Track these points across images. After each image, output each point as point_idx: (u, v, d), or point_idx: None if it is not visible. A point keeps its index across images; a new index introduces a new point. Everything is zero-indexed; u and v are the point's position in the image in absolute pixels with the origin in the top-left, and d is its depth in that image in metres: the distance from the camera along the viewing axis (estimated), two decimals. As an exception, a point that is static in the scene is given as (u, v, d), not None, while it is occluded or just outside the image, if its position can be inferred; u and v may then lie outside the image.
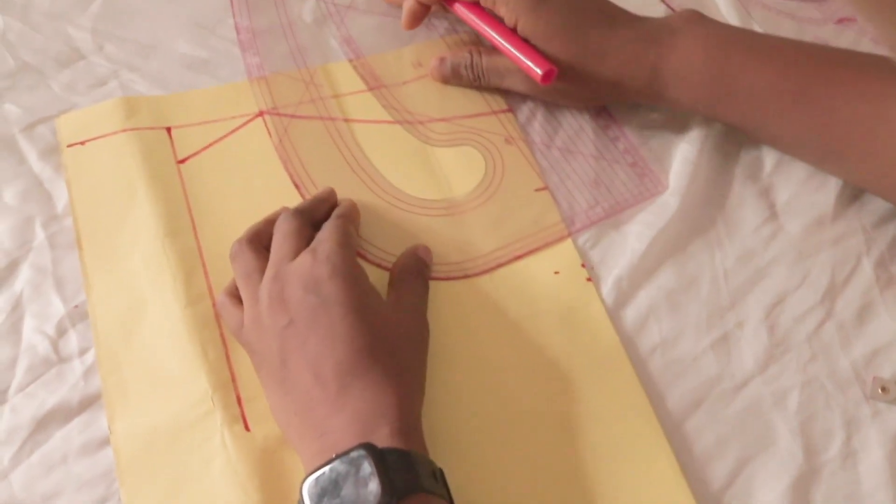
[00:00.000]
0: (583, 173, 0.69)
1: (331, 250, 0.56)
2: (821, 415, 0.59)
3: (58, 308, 0.62)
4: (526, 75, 0.67)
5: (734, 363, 0.61)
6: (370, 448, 0.48)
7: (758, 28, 0.77)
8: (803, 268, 0.65)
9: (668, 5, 0.78)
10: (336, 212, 0.62)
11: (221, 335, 0.60)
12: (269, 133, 0.70)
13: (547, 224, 0.66)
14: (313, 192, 0.66)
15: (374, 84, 0.73)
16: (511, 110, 0.72)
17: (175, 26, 0.76)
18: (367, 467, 0.47)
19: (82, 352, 0.60)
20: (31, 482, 0.55)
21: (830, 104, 0.63)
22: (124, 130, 0.68)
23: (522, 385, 0.60)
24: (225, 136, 0.69)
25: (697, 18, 0.68)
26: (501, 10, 0.67)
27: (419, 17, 0.73)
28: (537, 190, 0.68)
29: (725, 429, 0.59)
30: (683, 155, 0.69)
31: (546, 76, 0.66)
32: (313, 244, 0.58)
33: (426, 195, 0.68)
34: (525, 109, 0.72)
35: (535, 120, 0.72)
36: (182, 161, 0.67)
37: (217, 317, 0.61)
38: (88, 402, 0.58)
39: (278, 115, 0.70)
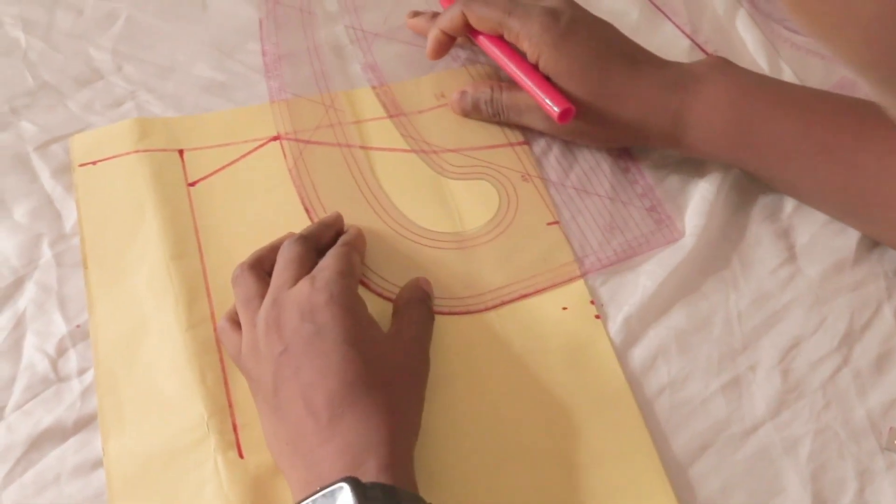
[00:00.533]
0: (597, 214, 0.67)
1: (330, 278, 0.56)
2: (833, 464, 0.57)
3: (60, 327, 0.61)
4: (544, 113, 0.66)
5: (745, 407, 0.59)
6: (353, 482, 0.46)
7: (786, 67, 0.75)
8: (821, 312, 0.63)
9: (695, 43, 0.77)
10: (341, 239, 0.61)
11: (221, 360, 0.59)
12: (285, 156, 0.69)
13: (558, 263, 0.65)
14: (322, 213, 0.66)
15: (394, 112, 0.73)
16: (527, 143, 0.71)
17: (194, 49, 0.76)
18: (349, 502, 0.46)
19: (81, 371, 0.60)
20: (22, 501, 0.55)
21: (856, 158, 0.62)
22: (136, 151, 0.68)
23: (524, 422, 0.58)
24: (237, 159, 0.69)
25: (723, 65, 0.66)
26: (525, 45, 0.67)
27: (444, 47, 0.73)
28: (549, 224, 0.67)
29: (732, 475, 0.57)
30: (701, 194, 0.67)
31: (563, 115, 0.65)
32: (314, 271, 0.57)
33: (437, 227, 0.67)
34: (541, 142, 0.71)
35: (551, 153, 0.71)
36: (192, 184, 0.67)
37: (218, 341, 0.60)
38: (84, 423, 0.58)
39: (295, 140, 0.70)
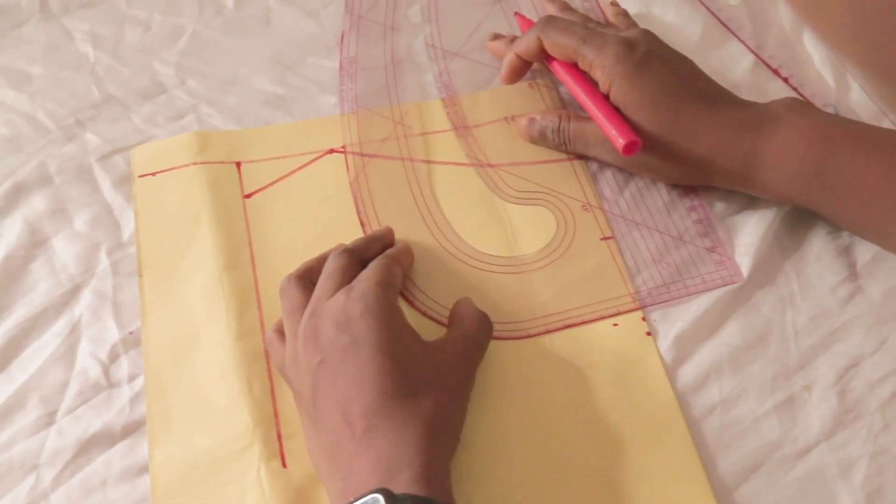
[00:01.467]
0: (655, 249, 0.66)
1: (366, 288, 0.55)
2: (891, 488, 0.55)
3: (113, 333, 0.62)
4: (611, 146, 0.65)
5: (798, 428, 0.57)
6: (385, 493, 0.46)
7: (853, 84, 0.73)
8: (881, 332, 0.61)
9: (760, 58, 0.75)
10: (386, 252, 0.61)
11: (269, 370, 0.60)
12: (347, 168, 0.69)
13: (614, 295, 0.64)
14: (377, 227, 0.66)
15: (460, 124, 0.73)
16: (585, 159, 0.70)
17: (256, 63, 0.77)
18: None
19: (132, 378, 0.60)
20: (69, 504, 0.56)
21: None
22: (195, 164, 0.69)
23: (570, 438, 0.57)
24: (293, 171, 0.69)
25: (799, 106, 0.64)
26: (597, 74, 0.66)
27: (519, 72, 0.73)
28: (603, 238, 0.66)
29: (784, 497, 0.55)
30: (760, 214, 0.66)
31: (628, 147, 0.63)
32: (353, 282, 0.57)
33: (491, 249, 0.66)
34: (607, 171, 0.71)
35: (608, 171, 0.70)
36: (248, 196, 0.68)
37: (266, 352, 0.60)
38: (133, 429, 0.58)
39: (360, 154, 0.70)
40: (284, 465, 0.56)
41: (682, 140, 0.64)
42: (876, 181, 0.60)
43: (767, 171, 0.63)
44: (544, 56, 0.70)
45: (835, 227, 0.65)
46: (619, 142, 0.63)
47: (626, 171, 0.69)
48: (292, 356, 0.56)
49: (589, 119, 0.67)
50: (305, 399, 0.54)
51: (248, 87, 0.75)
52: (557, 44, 0.68)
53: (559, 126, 0.69)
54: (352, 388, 0.52)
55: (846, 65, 0.73)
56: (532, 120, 0.70)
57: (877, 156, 0.61)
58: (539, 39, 0.69)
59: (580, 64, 0.67)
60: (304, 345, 0.55)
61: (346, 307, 0.54)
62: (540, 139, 0.71)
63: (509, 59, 0.72)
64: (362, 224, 0.67)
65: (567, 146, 0.70)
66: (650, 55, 0.65)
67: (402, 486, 0.48)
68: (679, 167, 0.65)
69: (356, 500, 0.47)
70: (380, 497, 0.46)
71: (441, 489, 0.50)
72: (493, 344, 0.61)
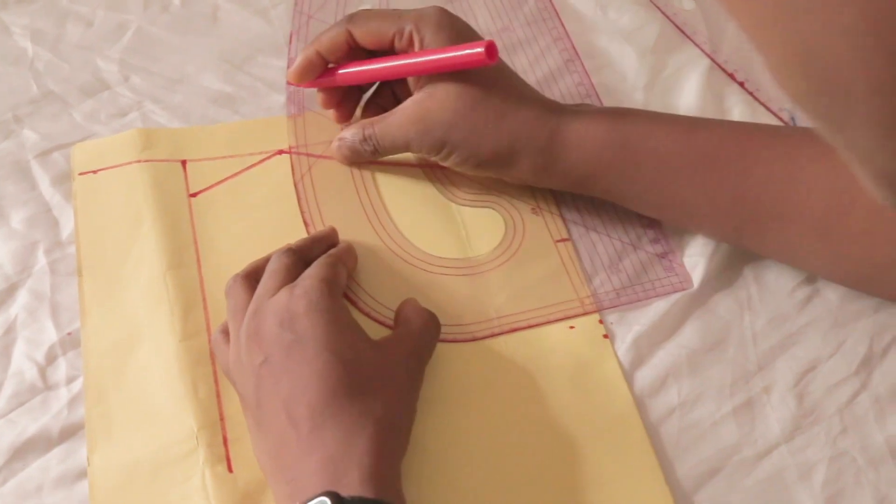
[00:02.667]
0: (612, 253, 0.65)
1: (310, 286, 0.54)
2: (850, 491, 0.54)
3: (50, 335, 0.60)
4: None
5: (758, 431, 0.57)
6: (333, 496, 0.44)
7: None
8: (838, 336, 0.61)
9: (715, 63, 0.75)
10: (329, 252, 0.59)
11: (214, 373, 0.58)
12: (293, 170, 0.67)
13: (570, 298, 0.62)
14: (321, 227, 0.64)
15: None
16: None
17: (204, 61, 0.75)
18: None
19: (70, 380, 0.58)
20: (1, 512, 0.53)
21: (742, 165, 0.59)
22: (138, 161, 0.66)
23: (526, 442, 0.56)
24: (241, 171, 0.67)
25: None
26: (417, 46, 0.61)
27: (314, 70, 0.65)
28: (558, 241, 0.65)
29: (744, 500, 0.54)
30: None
31: (490, 50, 0.58)
32: (296, 281, 0.55)
33: (444, 251, 0.64)
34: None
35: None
36: (194, 195, 0.66)
37: (212, 353, 0.58)
38: (70, 433, 0.56)
39: (306, 154, 0.68)
40: (231, 470, 0.54)
41: (489, 117, 0.60)
42: (680, 152, 0.60)
43: (573, 149, 0.60)
44: (342, 58, 0.65)
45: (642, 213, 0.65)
46: (478, 50, 0.58)
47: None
48: (236, 357, 0.54)
49: (391, 113, 0.64)
50: (250, 400, 0.52)
51: (195, 86, 0.73)
52: (371, 29, 0.63)
53: (363, 134, 0.65)
54: (296, 386, 0.50)
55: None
56: (340, 140, 0.67)
57: (675, 126, 0.61)
58: (347, 32, 0.63)
59: (398, 42, 0.62)
60: (247, 344, 0.53)
61: (289, 304, 0.53)
62: (354, 156, 0.67)
63: (307, 53, 0.65)
64: (306, 225, 0.65)
65: (380, 151, 0.66)
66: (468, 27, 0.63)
67: (350, 487, 0.46)
68: (484, 147, 0.61)
69: (303, 503, 0.45)
70: (327, 500, 0.44)
71: (391, 491, 0.48)
72: (445, 347, 0.59)
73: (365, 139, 0.65)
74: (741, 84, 0.73)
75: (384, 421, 0.50)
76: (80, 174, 0.66)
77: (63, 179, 0.67)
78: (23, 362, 0.58)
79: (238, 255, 0.62)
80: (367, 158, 0.67)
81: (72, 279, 0.62)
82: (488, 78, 0.61)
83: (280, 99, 0.72)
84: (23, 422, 0.56)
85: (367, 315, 0.61)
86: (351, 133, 0.66)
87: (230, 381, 0.56)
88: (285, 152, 0.69)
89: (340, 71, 0.65)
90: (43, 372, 0.58)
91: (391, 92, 0.67)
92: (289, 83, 0.70)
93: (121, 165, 0.67)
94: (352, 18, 0.63)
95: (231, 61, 0.75)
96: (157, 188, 0.65)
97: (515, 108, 0.61)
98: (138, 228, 0.64)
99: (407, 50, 0.62)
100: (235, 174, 0.67)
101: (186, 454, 0.54)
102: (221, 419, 0.56)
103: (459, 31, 0.61)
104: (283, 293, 0.54)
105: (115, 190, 0.66)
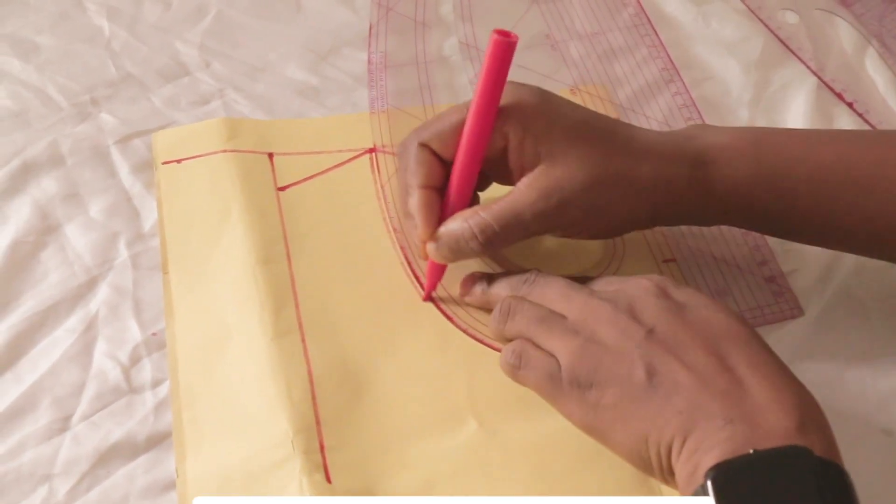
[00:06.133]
0: (711, 279, 0.62)
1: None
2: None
3: (134, 334, 0.56)
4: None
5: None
6: (807, 455, 0.39)
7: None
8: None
9: (822, 81, 0.72)
10: None
11: (309, 373, 0.54)
12: (378, 171, 0.64)
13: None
14: (412, 237, 0.57)
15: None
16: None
17: (287, 50, 0.72)
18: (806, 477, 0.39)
19: (155, 384, 0.55)
20: (86, 522, 0.50)
21: None
22: (224, 151, 0.63)
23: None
24: (330, 168, 0.64)
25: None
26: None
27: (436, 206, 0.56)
28: (665, 261, 0.62)
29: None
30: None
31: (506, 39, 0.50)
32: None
33: (551, 267, 0.60)
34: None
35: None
36: (282, 189, 0.62)
37: (306, 352, 0.55)
38: (157, 440, 0.53)
39: (393, 153, 0.65)
40: (329, 481, 0.51)
41: (618, 182, 0.54)
42: (829, 164, 0.55)
43: (718, 165, 0.55)
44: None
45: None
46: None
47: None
48: (587, 352, 0.48)
49: (501, 198, 0.54)
50: (628, 384, 0.46)
51: (278, 75, 0.70)
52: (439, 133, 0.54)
53: (472, 226, 0.54)
54: (717, 331, 0.46)
55: None
56: (438, 239, 0.55)
57: (829, 143, 0.56)
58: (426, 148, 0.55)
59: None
60: (615, 322, 0.47)
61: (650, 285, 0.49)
62: (454, 255, 0.55)
63: (424, 214, 0.55)
64: (394, 231, 0.61)
65: (492, 243, 0.54)
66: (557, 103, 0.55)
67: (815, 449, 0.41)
68: (622, 206, 0.55)
69: (762, 451, 0.40)
70: (801, 455, 0.40)
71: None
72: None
73: (476, 233, 0.54)
74: (850, 105, 0.70)
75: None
76: (164, 163, 0.63)
77: (143, 167, 0.64)
78: (105, 362, 0.55)
79: (328, 256, 0.59)
80: (468, 256, 0.56)
81: (155, 274, 0.59)
82: (605, 132, 0.55)
83: (367, 94, 0.69)
84: (107, 426, 0.53)
85: (464, 331, 0.57)
86: (457, 225, 0.55)
87: (547, 396, 0.50)
88: (375, 151, 0.66)
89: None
90: (127, 373, 0.55)
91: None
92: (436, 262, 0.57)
93: (206, 155, 0.64)
94: (420, 129, 0.55)
95: (316, 51, 0.72)
96: (245, 179, 0.62)
97: (648, 147, 0.55)
98: (226, 221, 0.61)
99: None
100: (325, 171, 0.64)
101: (282, 461, 0.51)
102: (317, 423, 0.52)
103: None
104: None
105: (201, 180, 0.63)
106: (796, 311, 0.60)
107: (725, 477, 0.40)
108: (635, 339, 0.46)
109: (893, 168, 0.54)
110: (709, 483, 0.40)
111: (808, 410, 0.42)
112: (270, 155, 0.64)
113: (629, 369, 0.45)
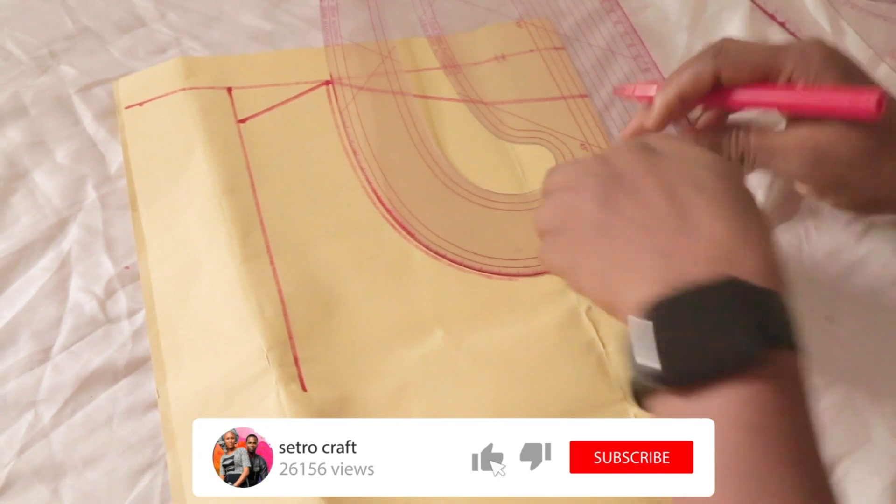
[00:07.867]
0: None
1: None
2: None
3: (107, 268, 0.58)
4: (798, 154, 0.54)
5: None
6: (736, 283, 0.41)
7: (847, 28, 0.73)
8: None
9: (755, 3, 0.75)
10: None
11: (279, 292, 0.56)
12: (336, 100, 0.66)
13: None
14: (370, 159, 0.63)
15: (450, 63, 0.70)
16: (587, 96, 0.69)
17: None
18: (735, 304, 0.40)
19: (131, 313, 0.56)
20: (72, 443, 0.51)
21: None
22: (183, 90, 0.65)
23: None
24: (288, 99, 0.66)
25: None
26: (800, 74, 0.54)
27: (673, 118, 0.58)
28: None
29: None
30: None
31: (880, 103, 0.51)
32: None
33: (498, 187, 0.64)
34: (603, 95, 0.69)
35: (614, 109, 0.68)
36: (242, 121, 0.64)
37: (275, 273, 0.57)
38: (136, 365, 0.55)
39: (350, 85, 0.67)
40: (304, 389, 0.53)
41: (891, 158, 0.54)
42: None
43: None
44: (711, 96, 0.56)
45: None
46: (869, 103, 0.51)
47: (632, 107, 0.66)
48: (565, 177, 0.50)
49: (774, 134, 0.55)
50: (586, 215, 0.48)
51: (232, 23, 0.72)
52: (745, 68, 0.55)
53: (736, 137, 0.56)
54: (681, 171, 0.47)
55: (839, 9, 0.73)
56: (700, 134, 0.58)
57: None
58: (715, 70, 0.55)
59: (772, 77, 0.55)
60: (594, 162, 0.49)
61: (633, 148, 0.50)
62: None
63: (666, 100, 0.56)
64: (354, 153, 0.64)
65: (746, 158, 0.56)
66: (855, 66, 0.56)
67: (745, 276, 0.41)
68: (882, 190, 0.56)
69: (691, 288, 0.41)
70: (729, 283, 0.41)
71: (782, 286, 0.43)
72: (498, 281, 0.59)
73: (736, 142, 0.56)
74: (782, 24, 0.73)
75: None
76: (127, 108, 0.65)
77: (107, 114, 0.65)
78: (80, 296, 0.57)
79: (291, 183, 0.61)
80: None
81: (124, 213, 0.61)
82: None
83: (320, 36, 0.71)
84: (86, 354, 0.55)
85: (427, 248, 0.60)
86: (719, 135, 0.56)
87: (540, 255, 0.51)
88: (331, 83, 0.68)
89: (735, 97, 0.56)
90: (103, 305, 0.57)
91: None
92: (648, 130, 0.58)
93: (166, 95, 0.65)
94: (720, 53, 0.55)
95: (269, -1, 0.74)
96: (205, 114, 0.64)
97: None
98: (190, 156, 0.62)
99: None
100: (283, 102, 0.66)
101: (259, 375, 0.53)
102: (290, 338, 0.55)
103: (846, 70, 0.54)
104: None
105: (163, 119, 0.64)
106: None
107: (656, 314, 0.41)
108: (600, 182, 0.47)
109: None
110: (637, 319, 0.41)
111: (733, 241, 0.43)
112: (229, 89, 0.66)
113: (590, 212, 0.47)
